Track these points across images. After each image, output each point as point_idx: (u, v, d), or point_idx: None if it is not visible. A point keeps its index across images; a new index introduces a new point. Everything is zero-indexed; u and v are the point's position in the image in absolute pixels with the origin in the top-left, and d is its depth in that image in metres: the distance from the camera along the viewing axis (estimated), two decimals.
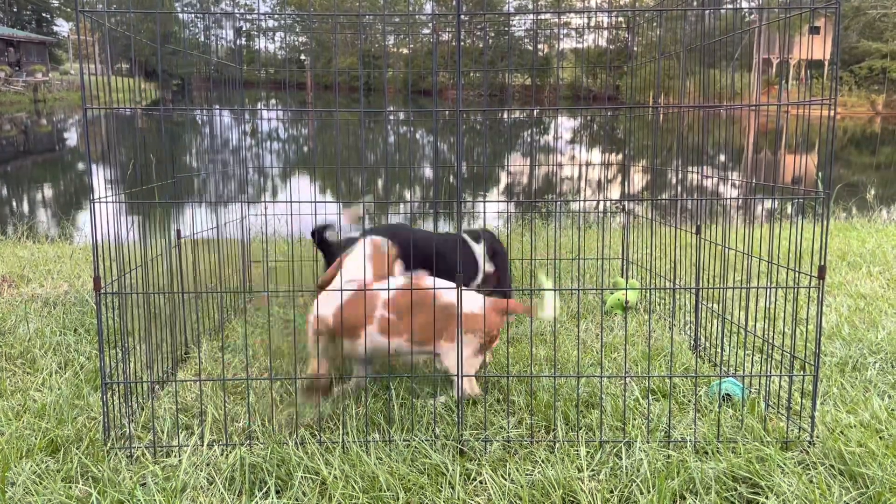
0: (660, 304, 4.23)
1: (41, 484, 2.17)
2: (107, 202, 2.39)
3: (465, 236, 3.77)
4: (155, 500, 2.08)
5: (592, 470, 2.28)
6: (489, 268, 3.79)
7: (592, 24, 4.98)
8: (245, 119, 4.63)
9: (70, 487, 2.17)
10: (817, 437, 2.44)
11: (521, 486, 2.16)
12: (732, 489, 2.17)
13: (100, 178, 2.50)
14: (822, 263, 2.44)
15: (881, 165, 19.44)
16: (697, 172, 3.44)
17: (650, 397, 2.80)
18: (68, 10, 55.08)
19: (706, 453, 2.38)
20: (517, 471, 2.26)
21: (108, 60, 2.56)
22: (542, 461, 2.32)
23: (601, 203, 5.53)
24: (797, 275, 2.60)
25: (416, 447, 2.38)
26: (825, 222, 2.40)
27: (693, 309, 3.52)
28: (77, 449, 2.36)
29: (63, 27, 57.45)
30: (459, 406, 2.50)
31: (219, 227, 3.74)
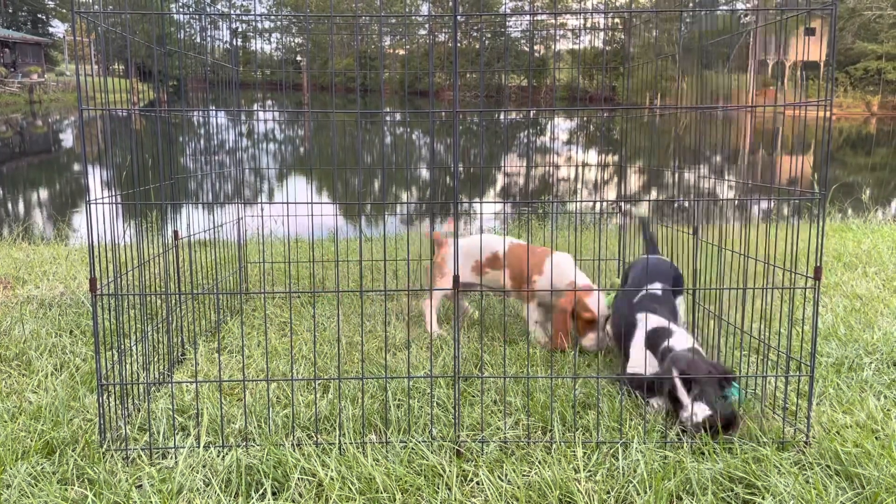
0: None
1: (37, 486, 2.17)
2: (103, 203, 2.38)
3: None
4: (151, 502, 2.07)
5: (589, 471, 2.28)
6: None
7: (589, 25, 4.99)
8: (241, 120, 4.63)
9: (66, 489, 2.16)
10: (813, 438, 2.45)
11: (518, 487, 2.16)
12: (729, 489, 2.17)
13: (96, 180, 2.49)
14: (818, 264, 2.44)
15: (876, 166, 19.51)
16: (694, 172, 3.45)
17: (647, 398, 2.80)
18: (64, 10, 55.01)
19: (703, 454, 2.38)
20: (514, 472, 2.25)
21: (104, 61, 2.56)
22: (539, 462, 2.32)
23: (598, 204, 5.53)
24: (793, 275, 2.60)
25: (412, 448, 2.38)
26: (821, 223, 2.41)
27: (690, 310, 3.53)
28: (73, 451, 2.35)
29: (59, 28, 57.35)
30: (456, 408, 2.50)
31: (215, 228, 3.73)
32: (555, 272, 3.47)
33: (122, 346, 2.60)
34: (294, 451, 2.33)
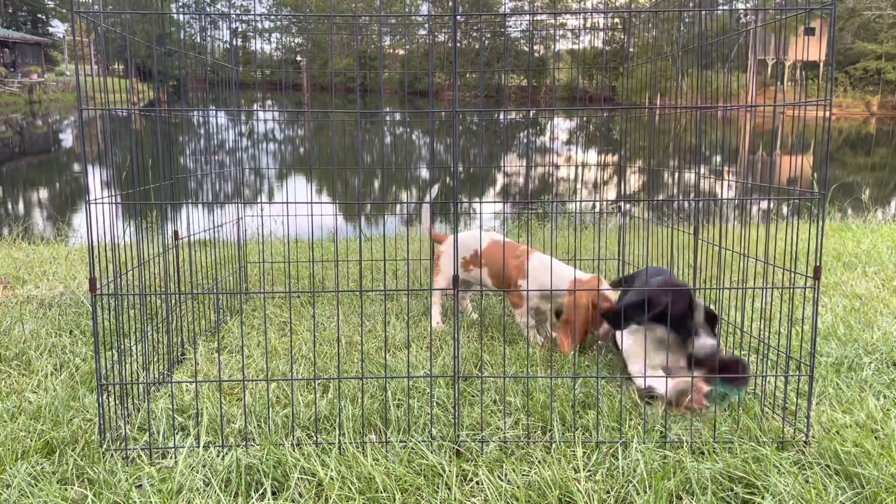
0: None
1: (36, 486, 2.17)
2: (103, 203, 2.38)
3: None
4: (151, 502, 2.07)
5: (589, 470, 2.28)
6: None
7: (588, 25, 4.99)
8: (241, 120, 4.63)
9: (65, 489, 2.16)
10: (813, 437, 2.45)
11: (518, 487, 2.17)
12: (728, 489, 2.17)
13: (96, 179, 2.49)
14: (818, 264, 2.45)
15: (876, 166, 19.52)
16: (694, 171, 3.45)
17: (646, 398, 2.81)
18: (64, 10, 55.01)
19: (702, 454, 2.38)
20: (514, 471, 2.26)
21: (104, 61, 2.56)
22: (539, 462, 2.32)
23: (597, 204, 5.53)
24: (793, 275, 2.60)
25: (412, 448, 2.38)
26: (820, 223, 2.41)
27: None
28: (73, 451, 2.36)
29: (59, 28, 57.33)
30: (456, 407, 2.50)
31: (215, 228, 3.73)
32: (547, 272, 3.44)
33: (122, 346, 2.60)
34: (294, 450, 2.34)
